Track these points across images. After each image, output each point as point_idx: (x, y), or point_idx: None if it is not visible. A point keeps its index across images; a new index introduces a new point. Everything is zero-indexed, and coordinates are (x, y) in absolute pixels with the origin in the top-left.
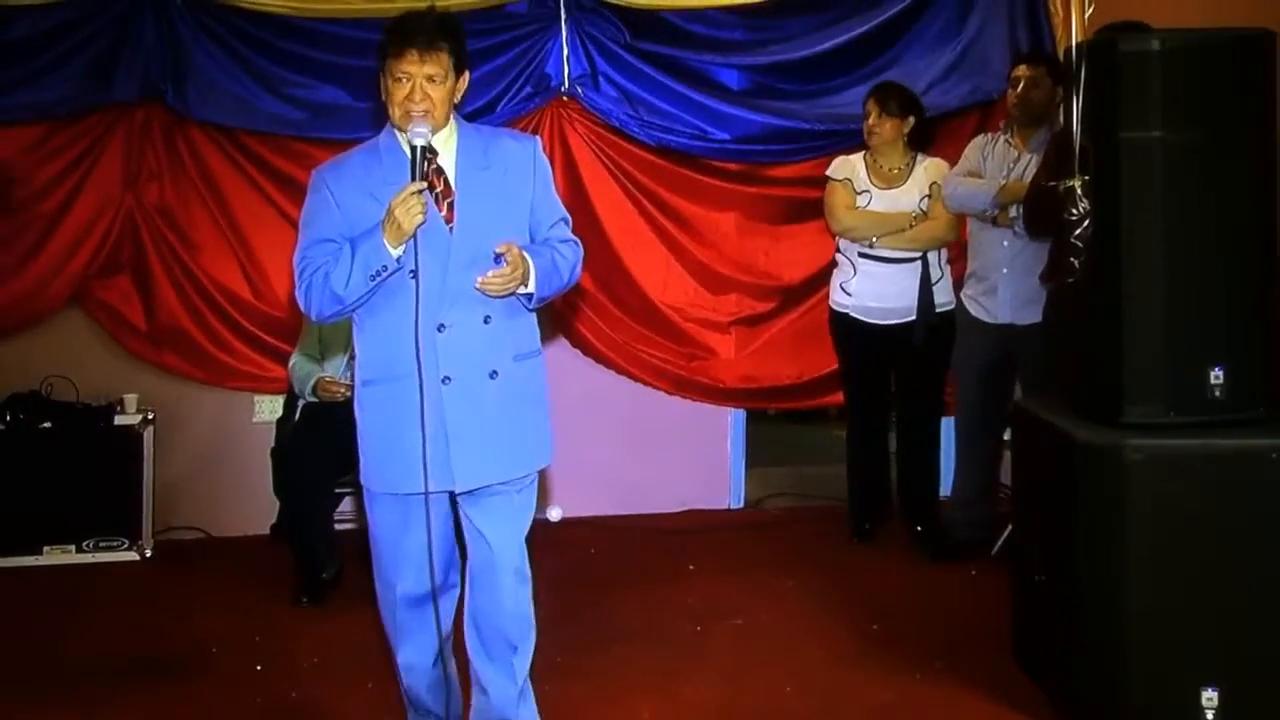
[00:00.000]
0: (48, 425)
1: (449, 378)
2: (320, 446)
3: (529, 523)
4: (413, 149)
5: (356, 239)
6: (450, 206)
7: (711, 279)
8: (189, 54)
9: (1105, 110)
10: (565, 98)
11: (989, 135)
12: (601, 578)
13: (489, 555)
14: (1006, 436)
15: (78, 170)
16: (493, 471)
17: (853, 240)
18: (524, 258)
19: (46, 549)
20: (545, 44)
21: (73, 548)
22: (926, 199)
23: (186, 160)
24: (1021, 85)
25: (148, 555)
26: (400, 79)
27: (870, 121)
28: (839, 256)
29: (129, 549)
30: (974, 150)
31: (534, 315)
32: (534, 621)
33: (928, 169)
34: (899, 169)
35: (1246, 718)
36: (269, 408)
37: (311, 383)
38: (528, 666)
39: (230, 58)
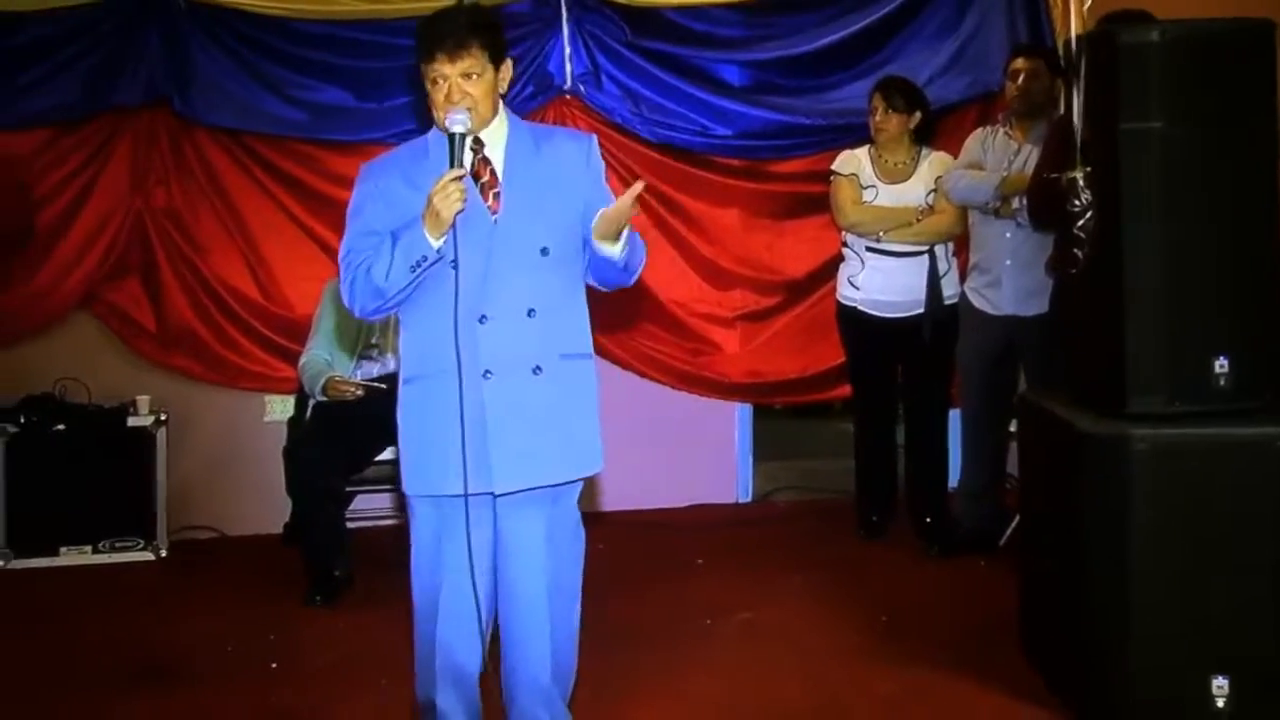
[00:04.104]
0: (61, 427)
1: (490, 372)
2: (331, 446)
3: (568, 543)
4: (450, 136)
5: (398, 230)
6: (496, 197)
7: (716, 274)
8: (193, 57)
9: (1105, 102)
10: (568, 96)
11: (989, 128)
12: (608, 573)
13: (516, 571)
14: (1012, 428)
15: (85, 174)
16: (534, 474)
17: (859, 235)
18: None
19: (63, 550)
20: (547, 43)
21: (89, 548)
22: (932, 193)
23: (193, 163)
24: (1022, 77)
25: (163, 555)
26: (436, 81)
27: (877, 118)
28: (846, 251)
29: (144, 549)
30: (974, 143)
31: (585, 316)
32: (572, 658)
33: (932, 163)
34: (904, 163)
35: (1256, 706)
36: (280, 407)
37: (321, 382)
38: (565, 696)
39: (234, 61)
